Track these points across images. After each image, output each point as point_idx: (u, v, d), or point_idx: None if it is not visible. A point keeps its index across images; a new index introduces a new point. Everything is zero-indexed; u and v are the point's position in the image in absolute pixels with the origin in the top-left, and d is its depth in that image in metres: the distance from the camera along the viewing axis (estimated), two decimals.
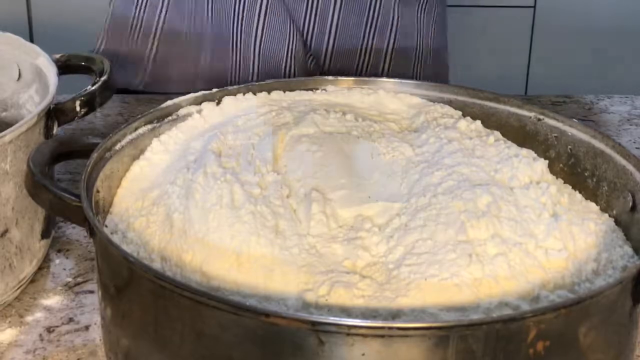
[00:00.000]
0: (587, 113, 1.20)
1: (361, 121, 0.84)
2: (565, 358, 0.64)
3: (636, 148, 1.15)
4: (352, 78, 0.90)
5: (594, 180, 0.81)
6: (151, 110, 0.81)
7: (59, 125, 0.86)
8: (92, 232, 0.69)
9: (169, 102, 0.82)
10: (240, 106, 0.84)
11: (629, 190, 0.77)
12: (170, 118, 0.82)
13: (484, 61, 2.34)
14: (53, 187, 0.71)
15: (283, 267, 0.68)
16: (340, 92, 0.88)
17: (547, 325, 0.61)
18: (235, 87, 0.85)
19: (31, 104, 0.91)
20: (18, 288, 0.82)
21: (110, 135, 0.77)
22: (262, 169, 0.76)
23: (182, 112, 0.83)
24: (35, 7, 2.21)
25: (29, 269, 0.83)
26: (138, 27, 1.20)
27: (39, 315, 0.82)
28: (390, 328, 0.60)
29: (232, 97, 0.85)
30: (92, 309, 0.83)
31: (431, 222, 0.71)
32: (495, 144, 0.81)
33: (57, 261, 0.89)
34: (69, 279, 0.87)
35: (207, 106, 0.84)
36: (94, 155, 0.74)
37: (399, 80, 0.89)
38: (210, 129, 0.81)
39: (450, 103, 0.88)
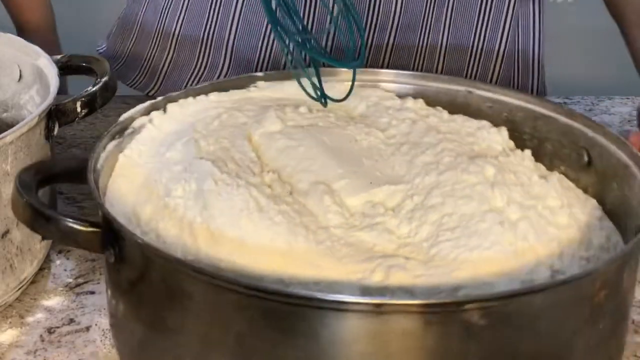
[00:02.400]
0: (588, 114, 1.19)
1: (316, 112, 0.85)
2: (617, 299, 0.69)
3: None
4: (283, 72, 0.90)
5: (535, 141, 0.86)
6: (113, 126, 0.80)
7: (59, 126, 0.86)
8: (119, 253, 0.68)
9: (125, 116, 0.81)
10: (185, 112, 0.84)
11: (583, 147, 0.82)
12: (128, 131, 0.81)
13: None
14: (60, 216, 0.70)
15: (326, 260, 0.69)
16: (273, 86, 0.88)
17: (607, 275, 0.67)
18: (175, 93, 0.85)
19: (32, 104, 0.91)
20: (19, 289, 0.82)
21: (91, 154, 0.76)
22: (255, 170, 0.76)
23: (136, 124, 0.81)
24: None
25: (29, 269, 0.83)
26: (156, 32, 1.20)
27: (39, 316, 0.82)
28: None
29: (175, 103, 0.84)
30: (92, 310, 0.83)
31: (449, 198, 0.74)
32: (452, 119, 0.85)
33: (58, 262, 0.89)
34: (70, 280, 0.87)
35: (155, 115, 0.83)
36: (90, 176, 0.73)
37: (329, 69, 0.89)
38: (169, 138, 0.80)
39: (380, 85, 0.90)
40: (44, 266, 0.88)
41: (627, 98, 1.27)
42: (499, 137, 0.83)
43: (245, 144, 0.80)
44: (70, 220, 0.69)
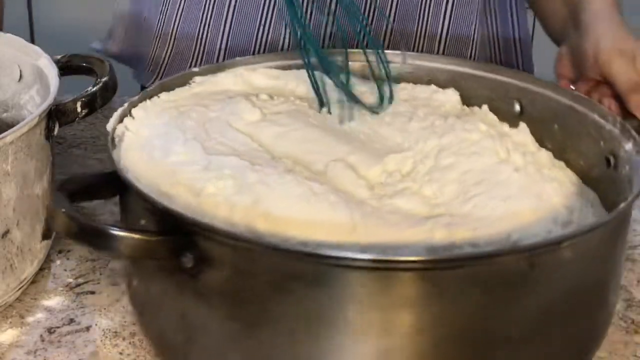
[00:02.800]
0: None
1: (277, 99, 0.87)
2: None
3: None
4: (216, 64, 0.92)
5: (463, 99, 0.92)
6: (102, 139, 0.80)
7: (59, 126, 0.86)
8: (200, 256, 0.66)
9: (108, 127, 0.80)
10: (150, 115, 0.83)
11: (513, 98, 0.90)
12: (116, 141, 0.80)
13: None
14: (128, 230, 0.68)
15: (386, 229, 0.72)
16: (208, 80, 0.89)
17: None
18: (136, 97, 0.84)
19: (32, 104, 0.91)
20: (19, 289, 0.82)
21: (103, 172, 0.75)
22: (269, 158, 0.77)
23: (117, 132, 0.81)
24: (37, 8, 2.21)
25: (30, 269, 0.83)
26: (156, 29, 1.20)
27: (39, 316, 0.82)
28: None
29: (139, 108, 0.84)
30: (93, 310, 0.83)
31: (461, 157, 0.80)
32: (402, 87, 0.91)
33: (58, 262, 0.89)
34: (70, 280, 0.87)
35: (128, 121, 0.82)
36: (137, 187, 0.71)
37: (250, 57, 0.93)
38: (154, 142, 0.80)
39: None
40: (44, 266, 0.88)
41: None
42: (456, 97, 0.89)
43: (240, 136, 0.80)
44: (133, 232, 0.67)
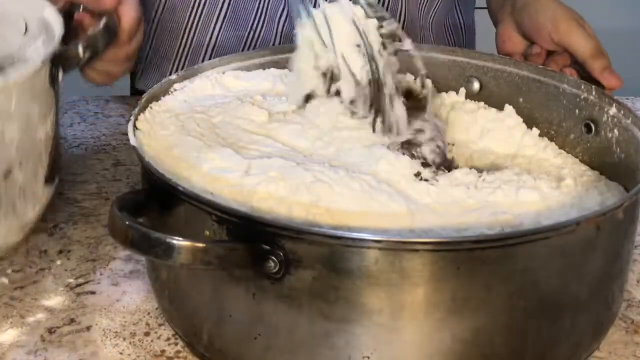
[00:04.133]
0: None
1: (270, 98, 0.88)
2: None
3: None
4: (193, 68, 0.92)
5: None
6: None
7: (64, 72, 0.85)
8: (287, 259, 0.66)
9: (132, 142, 0.77)
10: (154, 127, 0.83)
11: (471, 76, 0.94)
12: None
13: None
14: (213, 243, 0.67)
15: (445, 219, 0.74)
16: (187, 87, 0.90)
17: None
18: (136, 109, 0.83)
19: (37, 55, 0.91)
20: (21, 233, 0.81)
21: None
22: (306, 157, 0.79)
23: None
24: None
25: (31, 214, 0.82)
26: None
27: (40, 316, 0.82)
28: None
29: (140, 121, 0.83)
30: (93, 310, 0.83)
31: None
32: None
33: (59, 262, 0.89)
34: (71, 280, 0.87)
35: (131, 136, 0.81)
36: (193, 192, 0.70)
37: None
38: (171, 154, 0.79)
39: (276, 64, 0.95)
40: (45, 266, 0.88)
41: (627, 98, 1.27)
42: (428, 82, 0.90)
43: (259, 138, 0.81)
44: (218, 243, 0.67)
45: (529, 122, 0.90)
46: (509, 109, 0.91)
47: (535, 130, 0.90)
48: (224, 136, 0.82)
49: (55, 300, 0.84)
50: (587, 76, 0.95)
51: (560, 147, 0.89)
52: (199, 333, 0.75)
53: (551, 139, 0.90)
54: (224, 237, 0.69)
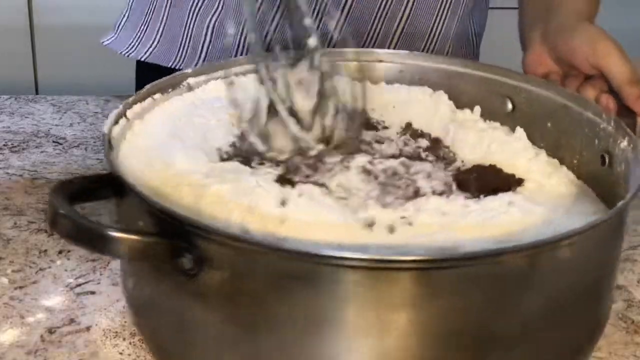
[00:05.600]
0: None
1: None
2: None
3: None
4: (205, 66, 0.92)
5: (452, 97, 0.93)
6: (102, 142, 0.79)
7: None
8: (200, 257, 0.66)
9: (105, 129, 0.79)
10: (148, 125, 0.84)
11: (505, 95, 0.91)
12: (113, 143, 0.80)
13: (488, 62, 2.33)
14: (127, 232, 0.68)
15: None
16: (201, 88, 0.90)
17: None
18: (130, 99, 0.84)
19: None
20: None
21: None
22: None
23: (113, 134, 0.80)
24: (37, 7, 2.21)
25: None
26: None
27: (40, 316, 0.82)
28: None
29: (137, 118, 0.84)
30: (93, 310, 0.83)
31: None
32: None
33: (59, 262, 0.89)
34: (71, 280, 0.87)
35: (127, 133, 0.83)
36: (133, 186, 0.71)
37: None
38: (149, 153, 0.80)
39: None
40: (45, 266, 0.88)
41: None
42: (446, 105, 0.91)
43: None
44: (131, 234, 0.67)
45: (555, 148, 0.87)
46: (519, 132, 0.88)
47: (544, 157, 0.86)
48: (212, 139, 0.82)
49: (55, 300, 0.84)
50: (622, 104, 0.91)
51: (579, 178, 0.84)
52: (142, 324, 0.76)
53: (573, 169, 0.85)
54: (151, 231, 0.69)
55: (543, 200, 0.78)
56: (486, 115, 0.92)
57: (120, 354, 0.78)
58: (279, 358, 0.67)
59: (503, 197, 0.76)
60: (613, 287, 0.77)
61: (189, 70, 0.90)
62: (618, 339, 0.82)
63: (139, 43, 1.20)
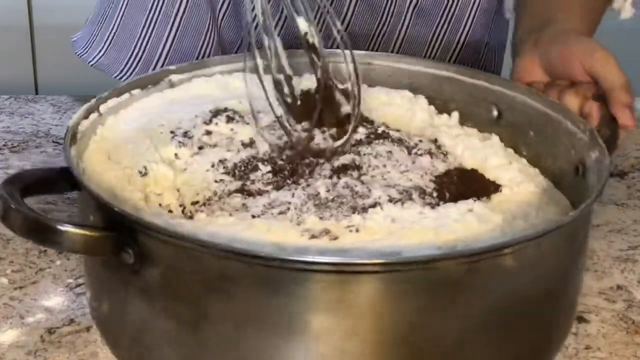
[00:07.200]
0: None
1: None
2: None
3: (637, 149, 1.15)
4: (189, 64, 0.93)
5: (440, 102, 0.93)
6: (67, 131, 0.79)
7: None
8: (141, 252, 0.67)
9: (70, 122, 0.80)
10: (119, 121, 0.85)
11: (491, 102, 0.91)
12: (78, 137, 0.81)
13: None
14: (65, 225, 0.68)
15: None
16: (182, 85, 0.90)
17: None
18: (105, 93, 0.85)
19: None
20: None
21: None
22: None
23: (80, 128, 0.81)
24: (37, 7, 2.21)
25: None
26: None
27: (40, 316, 0.82)
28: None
29: (111, 114, 0.84)
30: None
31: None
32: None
33: (58, 262, 0.89)
34: (70, 280, 0.87)
35: (99, 128, 0.84)
36: (82, 182, 0.72)
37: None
38: (117, 149, 0.81)
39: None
40: (44, 266, 0.88)
41: None
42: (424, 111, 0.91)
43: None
44: (77, 227, 0.68)
45: (537, 157, 0.87)
46: (494, 139, 0.88)
47: (515, 165, 0.84)
48: (181, 138, 0.83)
49: (55, 301, 0.84)
50: (605, 113, 0.89)
51: (557, 186, 0.83)
52: (100, 317, 0.77)
53: (554, 178, 0.84)
54: (97, 224, 0.69)
55: (507, 208, 0.77)
56: (473, 122, 0.91)
57: None
58: (214, 357, 0.68)
59: (462, 205, 0.75)
60: (571, 299, 0.76)
61: (173, 67, 0.90)
62: (618, 339, 0.82)
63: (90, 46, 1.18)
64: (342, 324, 0.65)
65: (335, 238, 0.71)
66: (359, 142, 0.83)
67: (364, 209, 0.74)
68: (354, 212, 0.73)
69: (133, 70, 1.14)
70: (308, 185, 0.77)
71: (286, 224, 0.72)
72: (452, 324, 0.67)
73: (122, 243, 0.67)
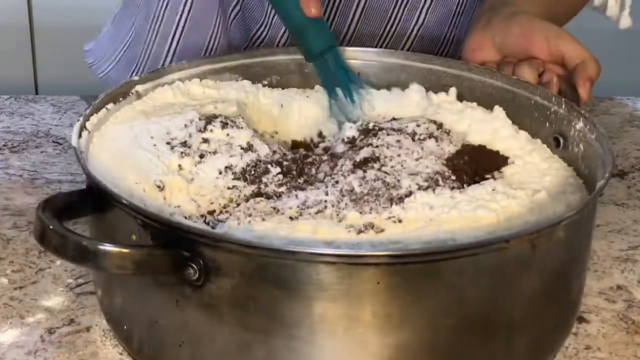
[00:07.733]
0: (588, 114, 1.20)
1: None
2: None
3: (637, 149, 1.15)
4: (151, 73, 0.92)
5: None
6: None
7: None
8: (206, 267, 0.66)
9: (74, 143, 0.77)
10: (105, 137, 0.83)
11: (447, 85, 0.92)
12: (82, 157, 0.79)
13: None
14: (129, 247, 0.66)
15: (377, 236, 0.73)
16: (149, 96, 0.89)
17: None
18: (87, 110, 0.83)
19: None
20: None
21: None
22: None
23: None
24: (36, 7, 2.21)
25: None
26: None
27: (40, 316, 0.82)
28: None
29: (95, 130, 0.83)
30: (93, 310, 0.83)
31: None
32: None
33: (58, 262, 0.89)
34: (70, 280, 0.87)
35: (89, 146, 0.81)
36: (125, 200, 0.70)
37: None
38: (118, 163, 0.79)
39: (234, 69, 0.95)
40: (44, 266, 0.88)
41: (628, 98, 1.27)
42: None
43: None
44: (139, 248, 0.66)
45: None
46: (498, 110, 0.89)
47: (523, 133, 0.86)
48: (178, 147, 0.82)
49: (55, 301, 0.84)
50: (568, 89, 0.92)
51: None
52: (130, 338, 0.75)
53: None
54: (148, 243, 0.68)
55: (524, 180, 0.79)
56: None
57: (120, 354, 0.78)
58: None
59: (488, 186, 0.76)
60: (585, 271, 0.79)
61: (136, 78, 0.89)
62: (618, 339, 0.82)
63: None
64: (423, 316, 0.67)
65: (382, 230, 0.71)
66: (366, 135, 0.84)
67: (400, 199, 0.75)
68: (391, 204, 0.74)
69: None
70: (337, 182, 0.77)
71: (329, 222, 0.72)
72: (515, 302, 0.69)
73: (184, 259, 0.66)
